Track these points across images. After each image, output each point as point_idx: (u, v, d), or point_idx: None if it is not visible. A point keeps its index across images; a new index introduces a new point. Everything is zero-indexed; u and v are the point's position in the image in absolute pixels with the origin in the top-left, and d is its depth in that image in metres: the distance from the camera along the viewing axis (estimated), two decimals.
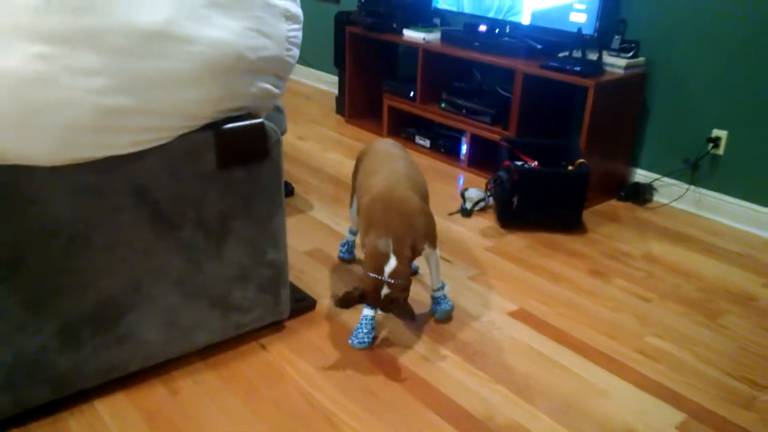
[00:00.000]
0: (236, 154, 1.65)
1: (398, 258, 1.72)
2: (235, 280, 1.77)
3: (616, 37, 2.83)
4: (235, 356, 1.82)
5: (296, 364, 1.80)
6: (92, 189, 1.47)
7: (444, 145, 3.41)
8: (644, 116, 2.94)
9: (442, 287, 2.02)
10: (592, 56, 2.81)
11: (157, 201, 1.57)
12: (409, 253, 1.76)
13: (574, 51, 2.88)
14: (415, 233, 1.79)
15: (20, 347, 1.48)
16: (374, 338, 1.91)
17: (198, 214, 1.65)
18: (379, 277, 1.70)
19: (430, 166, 3.34)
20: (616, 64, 2.79)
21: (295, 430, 1.57)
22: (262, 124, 1.67)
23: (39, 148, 1.32)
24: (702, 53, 2.68)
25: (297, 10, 1.65)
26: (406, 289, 1.72)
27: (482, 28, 3.21)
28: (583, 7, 2.77)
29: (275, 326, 1.95)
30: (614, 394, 1.72)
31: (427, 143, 3.50)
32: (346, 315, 2.02)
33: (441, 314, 2.01)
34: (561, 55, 2.93)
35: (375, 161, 1.98)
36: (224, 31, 1.44)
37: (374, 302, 1.72)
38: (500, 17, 3.13)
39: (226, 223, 1.70)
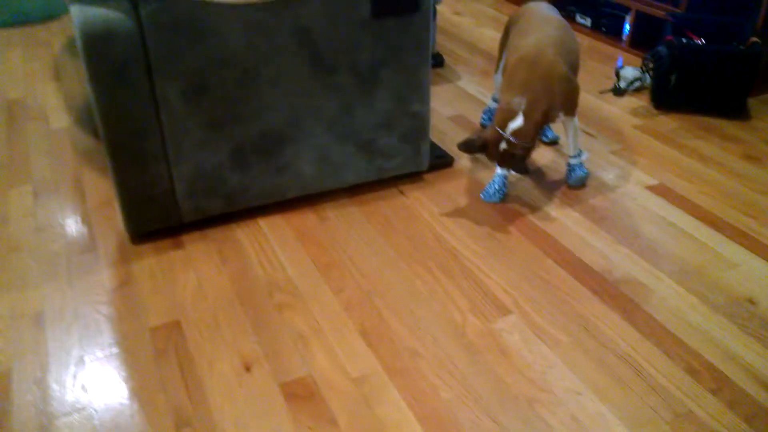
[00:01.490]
0: (389, 3, 1.75)
1: (526, 119, 1.77)
2: (381, 126, 1.93)
3: None
4: (376, 197, 2.01)
5: (430, 209, 1.95)
6: (262, 26, 1.66)
7: (606, 24, 3.25)
8: None
9: (579, 155, 2.05)
10: None
11: (317, 44, 1.74)
12: (540, 117, 1.79)
13: None
14: (552, 99, 1.81)
15: (200, 162, 1.76)
16: (504, 195, 2.01)
17: (352, 60, 1.79)
18: (501, 132, 1.77)
19: (590, 46, 3.22)
20: None
21: (423, 260, 1.74)
22: None
23: None
24: None
25: None
26: (525, 149, 1.77)
27: None
28: None
29: (414, 176, 2.11)
30: (743, 268, 1.71)
31: (587, 22, 3.36)
32: (481, 173, 2.13)
33: (575, 180, 2.05)
34: None
35: (529, 22, 1.99)
36: None
37: (492, 155, 1.79)
38: None
39: (376, 71, 1.84)
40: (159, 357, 1.45)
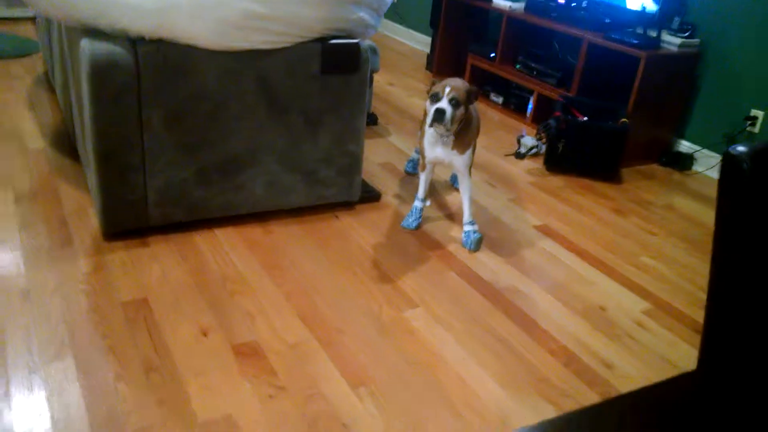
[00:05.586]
0: (335, 64, 2.22)
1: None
2: (322, 161, 2.36)
3: (676, 18, 3.19)
4: (315, 218, 2.42)
5: (360, 231, 2.37)
6: (232, 72, 2.08)
7: (514, 102, 3.87)
8: (693, 92, 3.29)
9: (473, 222, 2.38)
10: (652, 33, 3.18)
11: (275, 89, 2.17)
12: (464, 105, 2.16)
13: (638, 27, 3.26)
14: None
15: (171, 177, 2.13)
16: (420, 224, 2.46)
17: (302, 105, 2.24)
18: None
19: (500, 120, 3.81)
20: (672, 42, 3.15)
21: (350, 267, 2.15)
22: (357, 44, 2.23)
23: (201, 33, 1.94)
24: (750, 40, 3.00)
25: None
26: (456, 102, 2.13)
27: (561, 0, 3.63)
28: None
29: (347, 205, 2.53)
30: (599, 286, 2.19)
31: (500, 100, 3.97)
32: (402, 207, 2.57)
33: (472, 244, 2.34)
34: (626, 30, 3.31)
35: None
36: None
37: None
38: None
39: (321, 116, 2.29)
40: (130, 323, 1.77)
